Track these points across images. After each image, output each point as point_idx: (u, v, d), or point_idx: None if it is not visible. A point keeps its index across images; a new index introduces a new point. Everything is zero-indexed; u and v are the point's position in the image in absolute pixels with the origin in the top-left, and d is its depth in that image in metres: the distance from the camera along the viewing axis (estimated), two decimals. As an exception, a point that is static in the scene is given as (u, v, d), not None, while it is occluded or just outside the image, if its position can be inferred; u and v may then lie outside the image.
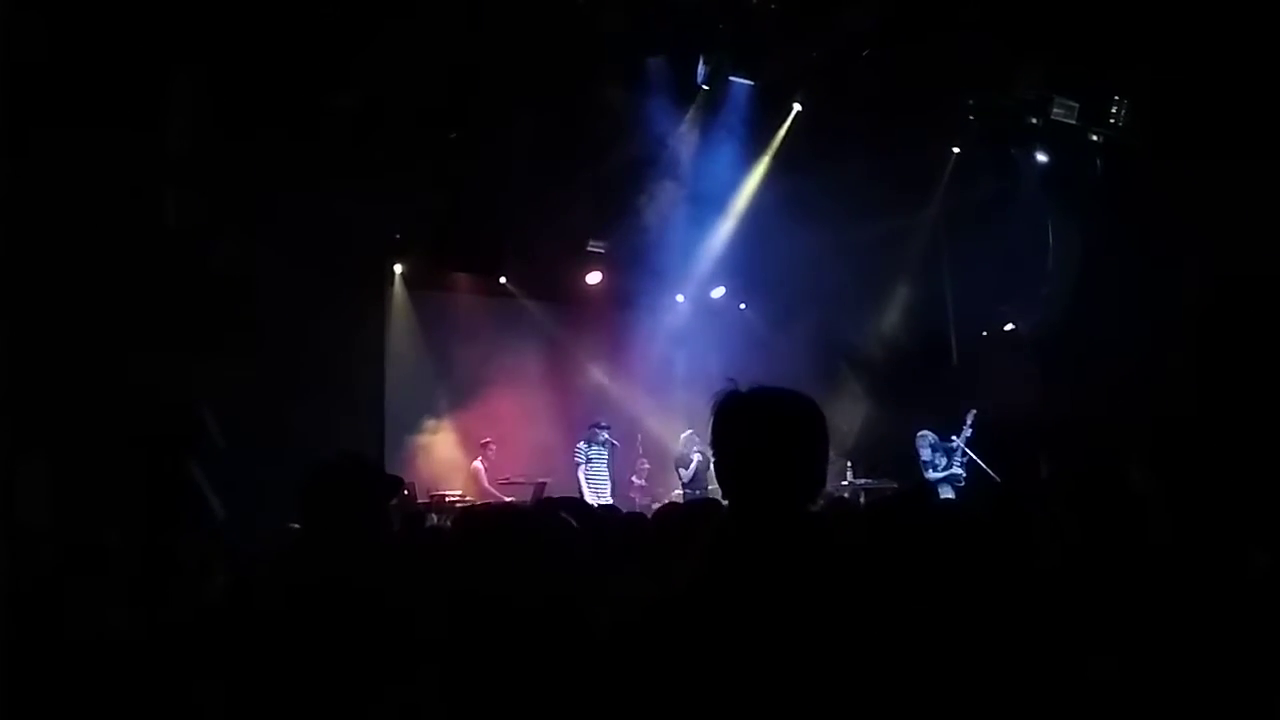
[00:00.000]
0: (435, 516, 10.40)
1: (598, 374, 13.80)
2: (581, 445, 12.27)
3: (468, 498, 11.47)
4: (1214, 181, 9.42)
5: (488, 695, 2.44)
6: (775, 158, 12.49)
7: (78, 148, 7.80)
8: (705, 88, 11.44)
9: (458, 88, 10.00)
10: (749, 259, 13.26)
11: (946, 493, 11.12)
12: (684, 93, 11.44)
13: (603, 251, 13.40)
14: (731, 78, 11.39)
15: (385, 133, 10.02)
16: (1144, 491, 3.73)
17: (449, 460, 12.53)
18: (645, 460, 13.08)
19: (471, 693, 2.46)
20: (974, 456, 11.61)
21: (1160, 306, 10.14)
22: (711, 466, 2.23)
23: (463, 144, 10.71)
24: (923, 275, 13.26)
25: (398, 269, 12.94)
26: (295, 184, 9.71)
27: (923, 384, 12.90)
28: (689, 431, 12.10)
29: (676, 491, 12.12)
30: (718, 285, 14.38)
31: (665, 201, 12.25)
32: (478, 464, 12.18)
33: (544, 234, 12.58)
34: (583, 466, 12.14)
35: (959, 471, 11.60)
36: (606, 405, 13.37)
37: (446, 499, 11.19)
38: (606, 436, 12.39)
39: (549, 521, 3.17)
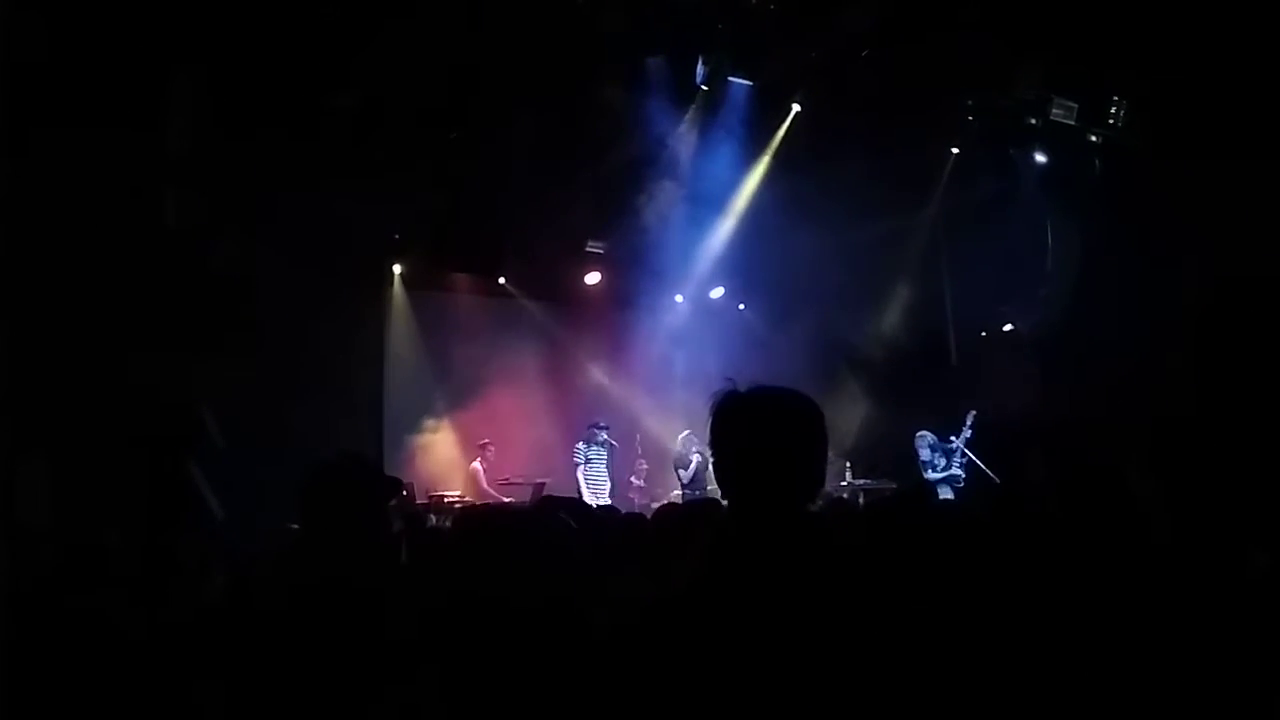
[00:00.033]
0: (434, 517, 10.40)
1: (597, 374, 13.80)
2: (580, 445, 12.27)
3: (467, 498, 11.47)
4: (1213, 182, 9.42)
5: (487, 696, 2.45)
6: (774, 158, 12.49)
7: (78, 148, 7.80)
8: (704, 88, 11.45)
9: (458, 88, 10.00)
10: (748, 259, 13.26)
11: (945, 493, 11.12)
12: (683, 93, 11.44)
13: (602, 252, 13.40)
14: (731, 78, 11.40)
15: (385, 133, 10.02)
16: (1144, 494, 3.74)
17: (448, 460, 12.53)
18: (644, 460, 13.09)
19: (471, 693, 2.46)
20: (973, 457, 11.62)
21: (1159, 307, 10.14)
22: (710, 467, 2.22)
23: (462, 144, 10.71)
24: (922, 275, 13.26)
25: (397, 269, 12.94)
26: (295, 184, 9.71)
27: (922, 384, 12.90)
28: (686, 432, 12.10)
29: (675, 492, 12.12)
30: (717, 285, 14.37)
31: (664, 202, 12.25)
32: (476, 465, 12.18)
33: (543, 234, 12.57)
34: (581, 467, 12.14)
35: (958, 472, 11.60)
36: (605, 405, 13.37)
37: (445, 500, 11.19)
38: (605, 437, 12.39)
39: (548, 522, 3.18)
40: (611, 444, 12.47)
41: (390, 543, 3.41)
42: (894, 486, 11.45)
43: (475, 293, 13.60)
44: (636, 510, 8.11)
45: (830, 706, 1.87)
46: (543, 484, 11.25)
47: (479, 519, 3.36)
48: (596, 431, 12.33)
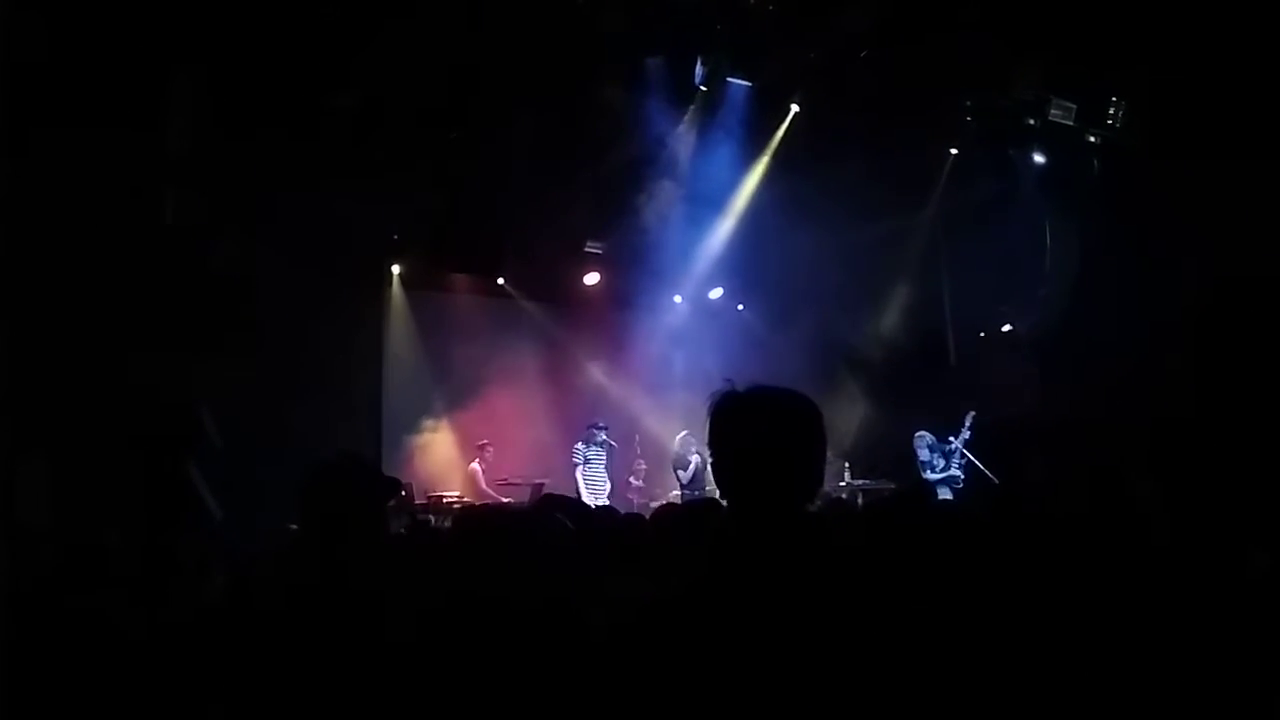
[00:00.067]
0: (433, 517, 10.41)
1: (596, 375, 13.79)
2: (579, 446, 12.27)
3: (465, 499, 11.47)
4: (1212, 182, 9.43)
5: (486, 696, 2.45)
6: (773, 158, 12.49)
7: (78, 148, 7.80)
8: (703, 88, 11.45)
9: (457, 88, 10.00)
10: (747, 260, 13.25)
11: (944, 494, 11.12)
12: (682, 93, 11.44)
13: (601, 252, 13.39)
14: (729, 78, 11.39)
15: (385, 133, 10.02)
16: (1144, 494, 3.74)
17: (447, 461, 12.53)
18: (642, 461, 13.08)
19: (470, 693, 2.47)
20: (972, 458, 11.62)
21: (1158, 307, 10.15)
22: (709, 467, 2.22)
23: (462, 144, 10.71)
24: (921, 276, 13.26)
25: (396, 269, 12.93)
26: (295, 184, 9.72)
27: (921, 385, 12.90)
28: (684, 433, 12.10)
29: (674, 492, 12.11)
30: (716, 286, 14.36)
31: (663, 202, 12.25)
32: (475, 465, 12.18)
33: (542, 234, 12.57)
34: (580, 467, 12.14)
35: (957, 473, 11.61)
36: (604, 406, 13.37)
37: (444, 500, 11.19)
38: (604, 437, 12.39)
39: (546, 523, 3.18)
40: (610, 444, 12.48)
41: (390, 543, 3.42)
42: (893, 487, 11.45)
43: (474, 293, 13.59)
44: (635, 511, 8.11)
45: (829, 707, 1.87)
46: (541, 484, 11.25)
47: (478, 519, 3.37)
48: (595, 432, 12.34)
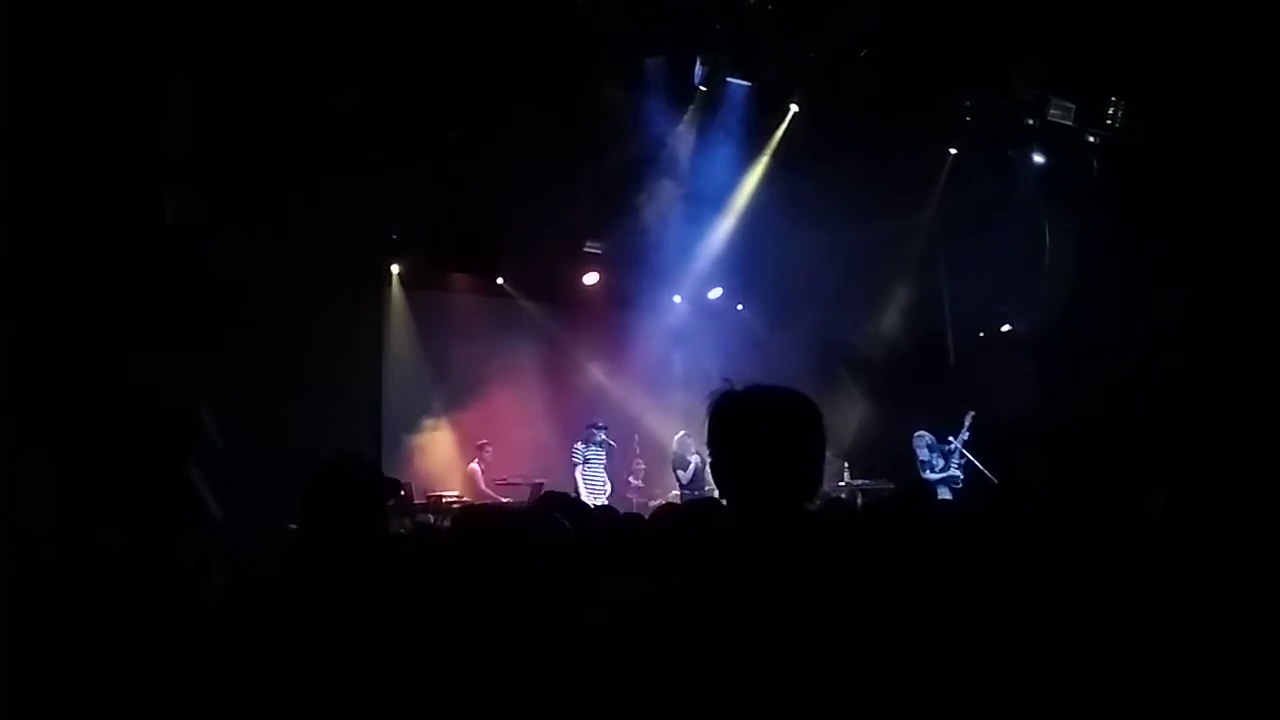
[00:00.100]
0: (432, 517, 10.41)
1: (595, 374, 13.79)
2: (579, 446, 12.27)
3: (465, 498, 11.47)
4: (1211, 182, 9.43)
5: (486, 695, 2.46)
6: (773, 158, 12.49)
7: (78, 148, 7.81)
8: (703, 88, 11.45)
9: (457, 88, 10.00)
10: (746, 260, 13.25)
11: (944, 494, 11.13)
12: (681, 93, 11.44)
13: (600, 252, 13.39)
14: (729, 78, 11.39)
15: (385, 133, 10.02)
16: (1149, 500, 3.75)
17: (446, 460, 12.52)
18: (641, 461, 13.08)
19: (469, 692, 2.47)
20: (971, 458, 11.63)
21: (1157, 307, 10.16)
22: (709, 467, 2.22)
23: (461, 144, 10.71)
24: (920, 276, 13.26)
25: (395, 269, 12.93)
26: (295, 184, 9.72)
27: (920, 385, 12.91)
28: (682, 433, 12.10)
29: (674, 492, 12.11)
30: (715, 286, 14.36)
31: (663, 202, 12.24)
32: (474, 466, 12.17)
33: (542, 234, 12.57)
34: (580, 467, 12.14)
35: (956, 473, 11.61)
36: (604, 406, 13.37)
37: (444, 500, 11.19)
38: (604, 437, 12.39)
39: (546, 522, 3.19)
40: (610, 444, 12.48)
41: (390, 543, 3.42)
42: (892, 487, 11.46)
43: (474, 293, 13.59)
44: (634, 510, 8.12)
45: (829, 706, 1.87)
46: (541, 484, 11.24)
47: (478, 519, 3.37)
48: (595, 431, 12.34)
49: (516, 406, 12.71)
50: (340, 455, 3.03)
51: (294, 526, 3.41)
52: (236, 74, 9.00)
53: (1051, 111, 11.23)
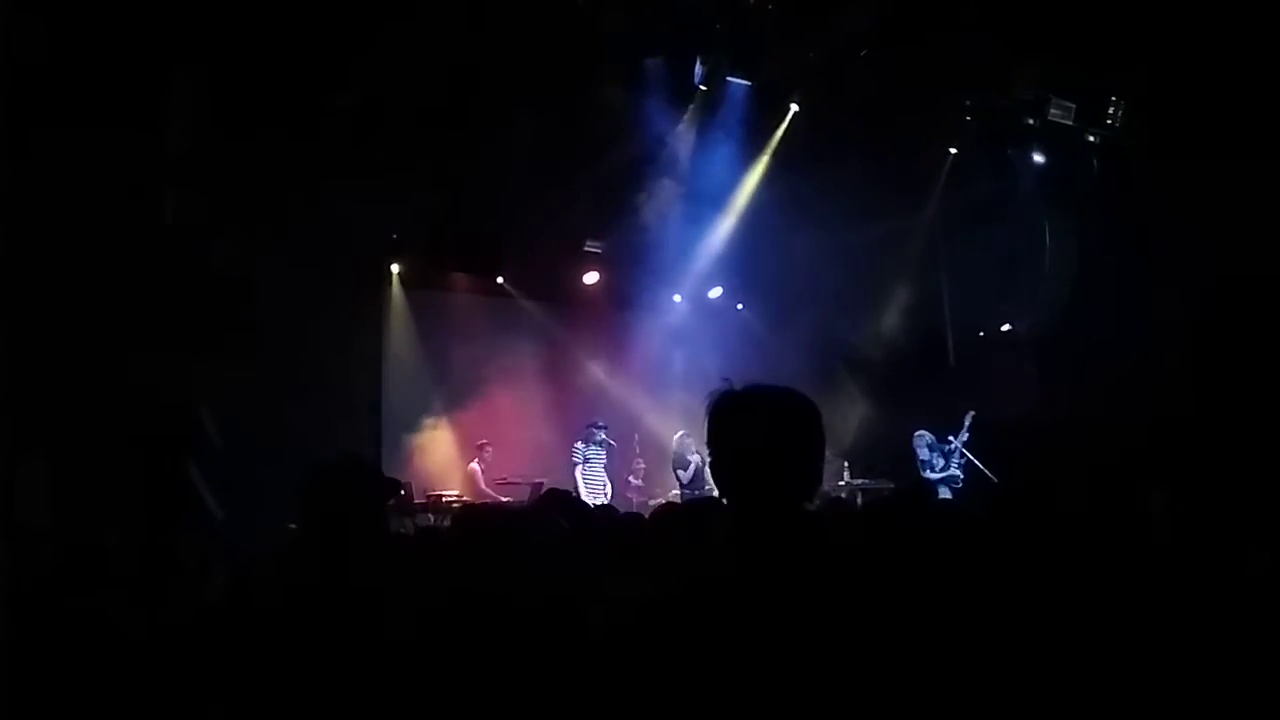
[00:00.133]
0: (432, 517, 10.42)
1: (595, 374, 13.79)
2: (579, 445, 12.27)
3: (465, 498, 11.47)
4: (1211, 182, 9.43)
5: (486, 694, 2.46)
6: (773, 158, 12.49)
7: (78, 148, 7.81)
8: (703, 88, 11.45)
9: (457, 88, 10.00)
10: (746, 259, 13.26)
11: (944, 494, 11.14)
12: (681, 93, 11.44)
13: (600, 251, 13.39)
14: (729, 78, 11.39)
15: (385, 133, 10.01)
16: (1150, 501, 3.74)
17: (446, 460, 12.51)
18: (641, 460, 13.08)
19: (470, 692, 2.47)
20: (971, 458, 11.63)
21: (1157, 307, 10.15)
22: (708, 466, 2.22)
23: (461, 144, 10.71)
24: (920, 276, 13.26)
25: (395, 269, 12.94)
26: (295, 184, 9.72)
27: (920, 384, 12.91)
28: (681, 433, 12.10)
29: (674, 491, 12.12)
30: (715, 285, 14.37)
31: (663, 202, 12.25)
32: (474, 466, 12.17)
33: (542, 234, 12.57)
34: (580, 466, 12.14)
35: (956, 473, 11.62)
36: (604, 405, 13.37)
37: (444, 499, 11.19)
38: (604, 436, 12.39)
39: (546, 522, 3.19)
40: (610, 444, 12.48)
41: (390, 543, 3.42)
42: (892, 486, 11.46)
43: (474, 292, 13.60)
44: (634, 510, 8.11)
45: (829, 705, 1.87)
46: (540, 484, 11.24)
47: (478, 518, 3.37)
48: (595, 431, 12.34)
49: (516, 406, 12.71)
50: (340, 455, 3.03)
51: (294, 526, 3.41)
52: (236, 74, 8.99)
53: (1051, 111, 11.23)
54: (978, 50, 10.40)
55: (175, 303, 8.89)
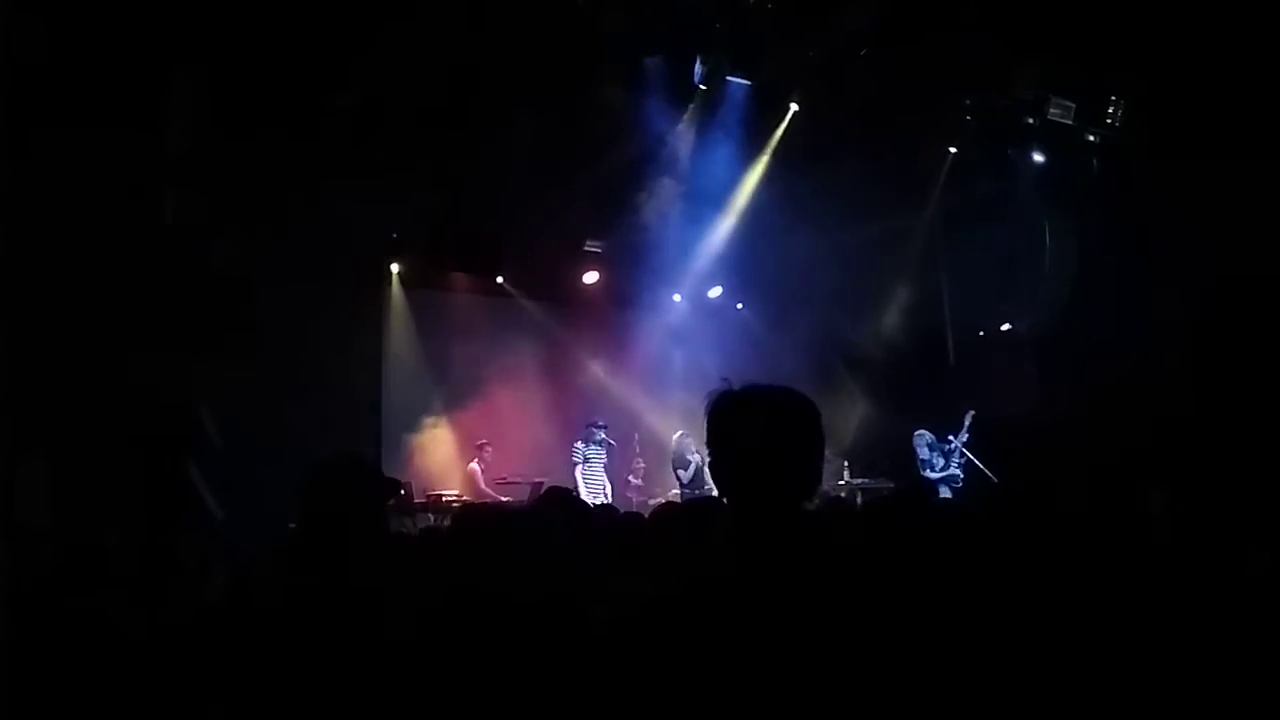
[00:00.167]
0: (432, 517, 10.42)
1: (595, 373, 13.80)
2: (579, 445, 12.27)
3: (465, 498, 11.47)
4: (1211, 182, 9.43)
5: (486, 694, 2.46)
6: (772, 158, 12.48)
7: (78, 148, 7.81)
8: (702, 88, 11.44)
9: (457, 88, 10.00)
10: (746, 259, 13.26)
11: (944, 493, 11.14)
12: (681, 93, 11.43)
13: (600, 251, 13.40)
14: (729, 77, 11.38)
15: (385, 133, 10.01)
16: (1151, 501, 3.74)
17: (446, 460, 12.51)
18: (641, 460, 13.09)
19: (470, 691, 2.47)
20: (971, 457, 11.63)
21: (1157, 307, 10.15)
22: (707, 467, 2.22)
23: (461, 144, 10.70)
24: (920, 275, 13.27)
25: (395, 269, 12.94)
26: (295, 184, 9.72)
27: (920, 384, 12.92)
28: (680, 433, 12.10)
29: (674, 491, 12.12)
30: (715, 285, 14.38)
31: (663, 201, 12.25)
32: (474, 465, 12.17)
33: (542, 234, 12.57)
34: (580, 466, 12.14)
35: (956, 472, 11.62)
36: (604, 404, 13.37)
37: (444, 499, 11.19)
38: (604, 436, 12.40)
39: (546, 521, 3.19)
40: (610, 443, 12.48)
41: (390, 543, 3.42)
42: (892, 485, 11.46)
43: (474, 292, 13.60)
44: (634, 509, 8.11)
45: (829, 704, 1.87)
46: (541, 483, 11.24)
47: (478, 517, 3.38)
48: (595, 431, 12.34)
49: (516, 406, 12.71)
50: (340, 455, 3.03)
51: (294, 526, 3.41)
52: (236, 74, 8.99)
53: (1051, 111, 11.22)
54: (978, 50, 10.39)
55: (175, 303, 8.89)
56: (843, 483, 12.24)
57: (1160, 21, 9.48)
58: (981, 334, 13.22)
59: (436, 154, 10.61)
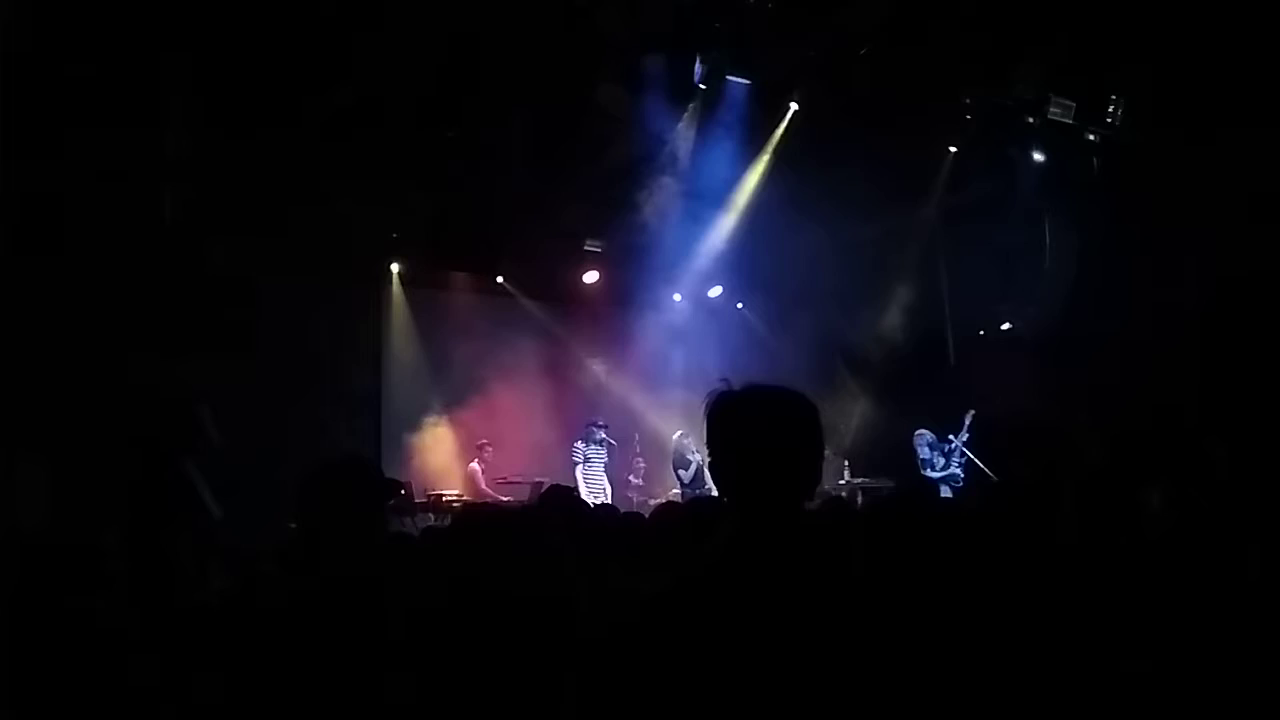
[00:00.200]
0: (432, 516, 10.42)
1: (595, 373, 13.80)
2: (579, 444, 12.27)
3: (465, 498, 11.47)
4: (1211, 180, 9.43)
5: (485, 694, 2.45)
6: (772, 157, 12.47)
7: (78, 147, 7.81)
8: (702, 87, 11.43)
9: (457, 87, 9.99)
10: (746, 258, 13.25)
11: (944, 493, 11.13)
12: (681, 92, 11.42)
13: (600, 250, 13.39)
14: (728, 76, 11.37)
15: (384, 132, 10.01)
16: (1152, 501, 3.74)
17: (446, 460, 12.51)
18: (641, 459, 13.09)
19: (469, 692, 2.47)
20: (972, 457, 11.62)
21: (1158, 306, 10.14)
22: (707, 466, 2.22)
23: (461, 143, 10.70)
24: (920, 275, 13.25)
25: (395, 268, 12.95)
26: (294, 184, 9.72)
27: (920, 383, 12.90)
28: (680, 433, 12.10)
29: (674, 491, 12.12)
30: (715, 284, 14.37)
31: (663, 200, 12.23)
32: (474, 465, 12.17)
33: (541, 233, 12.57)
34: (580, 466, 12.14)
35: (957, 472, 11.62)
36: (604, 404, 13.38)
37: (444, 499, 11.19)
38: (604, 436, 12.40)
39: (547, 520, 3.18)
40: (610, 443, 12.48)
41: (390, 542, 3.42)
42: (892, 485, 11.45)
43: (473, 291, 13.59)
44: (634, 509, 8.12)
45: (830, 704, 1.87)
46: (541, 483, 11.24)
47: (479, 516, 3.37)
48: (595, 430, 12.35)
49: (517, 405, 12.71)
50: (340, 455, 3.03)
51: (294, 526, 3.41)
52: (236, 73, 8.99)
53: (1052, 110, 11.20)
54: (978, 49, 10.39)
55: (174, 302, 8.89)
56: (843, 482, 12.24)
57: (1160, 20, 9.48)
58: (982, 333, 13.20)
59: (436, 153, 10.61)
